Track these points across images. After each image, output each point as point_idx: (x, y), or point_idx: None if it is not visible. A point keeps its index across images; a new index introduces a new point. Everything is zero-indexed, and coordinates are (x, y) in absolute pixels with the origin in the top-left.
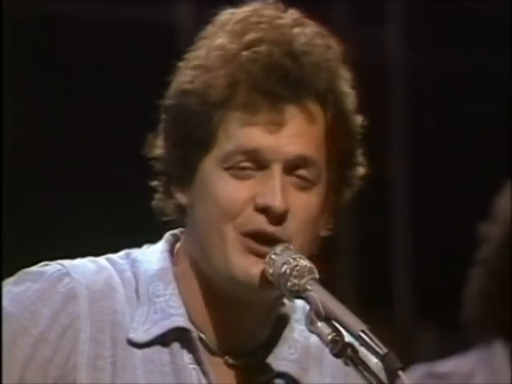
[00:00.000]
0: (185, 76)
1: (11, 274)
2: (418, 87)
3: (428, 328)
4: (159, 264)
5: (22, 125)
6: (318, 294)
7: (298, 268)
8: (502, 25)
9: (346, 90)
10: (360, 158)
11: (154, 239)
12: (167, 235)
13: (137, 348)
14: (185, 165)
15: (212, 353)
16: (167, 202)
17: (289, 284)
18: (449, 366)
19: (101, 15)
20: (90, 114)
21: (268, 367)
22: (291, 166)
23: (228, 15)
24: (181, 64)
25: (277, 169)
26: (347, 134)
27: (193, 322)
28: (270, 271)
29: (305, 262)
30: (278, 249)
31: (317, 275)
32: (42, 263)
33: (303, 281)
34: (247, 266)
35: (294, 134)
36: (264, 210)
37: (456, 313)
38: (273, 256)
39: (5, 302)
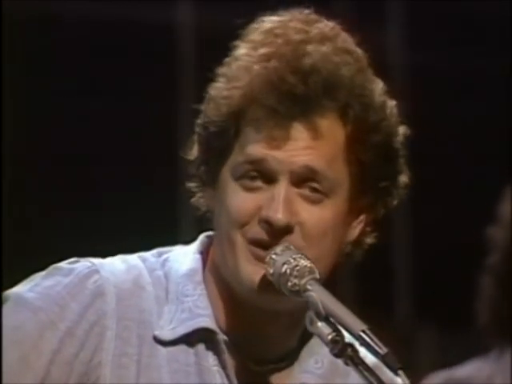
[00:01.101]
0: (216, 83)
1: (11, 274)
2: (418, 87)
3: (428, 328)
4: (190, 264)
5: (22, 125)
6: (318, 293)
7: (298, 268)
8: (502, 25)
9: (374, 103)
10: (397, 169)
11: (154, 239)
12: (202, 236)
13: (162, 346)
14: (209, 170)
15: (235, 357)
16: (203, 203)
17: (289, 284)
18: (468, 370)
19: (101, 15)
20: (90, 114)
21: (291, 377)
22: (300, 178)
23: (260, 23)
24: (218, 69)
25: (283, 181)
26: (372, 147)
27: (218, 325)
28: (271, 271)
29: (305, 262)
30: (279, 249)
31: (317, 275)
32: (72, 259)
33: (303, 281)
34: (252, 273)
35: (300, 148)
36: (266, 223)
37: (456, 313)
38: (273, 256)
39: (33, 295)
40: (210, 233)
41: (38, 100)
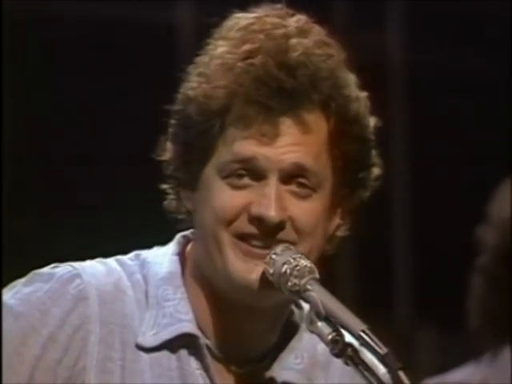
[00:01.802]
0: (190, 82)
1: (11, 274)
2: (418, 87)
3: (428, 328)
4: (169, 267)
5: (22, 125)
6: (319, 293)
7: (298, 268)
8: (502, 25)
9: (352, 95)
10: (372, 160)
11: (154, 239)
12: (178, 237)
13: (145, 352)
14: (189, 171)
15: (217, 359)
16: (178, 204)
17: (289, 284)
18: (461, 375)
19: (101, 15)
20: (90, 114)
21: (273, 376)
22: (288, 175)
23: (234, 20)
24: (189, 68)
25: (272, 178)
26: (353, 138)
27: (200, 328)
28: (271, 271)
29: (305, 262)
30: (279, 249)
31: (317, 275)
32: (53, 265)
33: (303, 281)
34: (246, 271)
35: (289, 144)
36: (258, 220)
37: (456, 313)
38: (273, 256)
39: (14, 302)
40: (185, 232)
41: (38, 100)
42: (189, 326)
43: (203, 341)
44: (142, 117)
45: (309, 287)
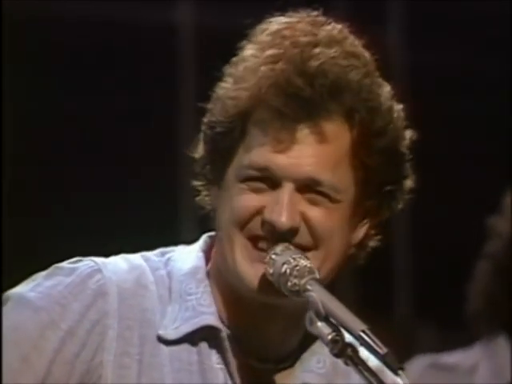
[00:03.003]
0: (222, 82)
1: (11, 274)
2: (418, 87)
3: (428, 328)
4: (193, 262)
5: (22, 125)
6: (318, 293)
7: (298, 268)
8: (502, 25)
9: (381, 107)
10: (403, 173)
11: (155, 239)
12: (204, 236)
13: (165, 345)
14: (215, 169)
15: (238, 355)
16: (207, 201)
17: (289, 284)
18: (453, 358)
19: (101, 16)
20: (90, 114)
21: (294, 376)
22: (304, 186)
23: (267, 24)
24: (225, 69)
25: (287, 186)
26: (378, 151)
27: (222, 322)
28: (271, 271)
29: (305, 262)
30: (278, 249)
31: (317, 275)
32: (75, 259)
33: (303, 281)
34: (251, 273)
35: (305, 155)
36: (270, 225)
37: (456, 312)
38: (273, 256)
39: (34, 295)
40: (212, 233)
41: (38, 100)
42: (211, 319)
43: (225, 333)
44: (142, 117)
45: (309, 287)
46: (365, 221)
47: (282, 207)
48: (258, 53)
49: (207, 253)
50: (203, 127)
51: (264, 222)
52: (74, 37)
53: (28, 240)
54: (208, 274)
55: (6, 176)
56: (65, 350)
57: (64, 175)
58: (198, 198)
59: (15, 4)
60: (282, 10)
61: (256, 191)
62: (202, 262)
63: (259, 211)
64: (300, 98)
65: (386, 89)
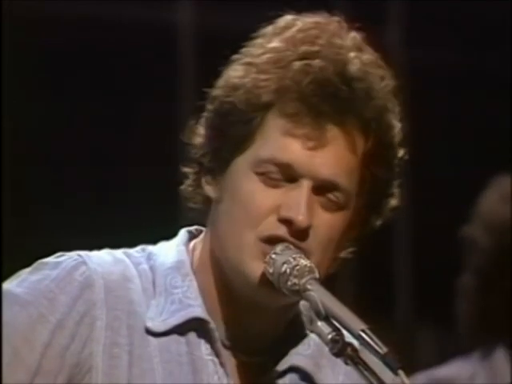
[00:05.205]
0: (236, 71)
1: (11, 274)
2: (418, 87)
3: (428, 328)
4: (176, 256)
5: (22, 124)
6: (318, 293)
7: (298, 267)
8: (502, 25)
9: (392, 122)
10: (394, 190)
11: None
12: (183, 231)
13: (153, 337)
14: (218, 158)
15: (225, 347)
16: (195, 190)
17: (289, 283)
18: (450, 370)
19: (101, 15)
20: (90, 114)
21: (281, 361)
22: (320, 187)
23: (290, 21)
24: (234, 57)
25: (306, 184)
26: (385, 164)
27: (208, 315)
28: (270, 271)
29: (305, 262)
30: (278, 248)
31: (317, 275)
32: (59, 254)
33: (303, 280)
34: (257, 271)
35: (330, 157)
36: (287, 222)
37: (455, 313)
38: (273, 255)
39: (21, 290)
40: (190, 228)
41: (38, 100)
42: (198, 311)
43: (213, 325)
44: (142, 117)
45: (309, 287)
46: (352, 232)
47: (300, 205)
48: (289, 47)
49: (187, 247)
50: (208, 113)
51: (281, 220)
52: (74, 36)
53: (28, 240)
54: (193, 268)
55: (6, 176)
56: (55, 343)
57: (64, 175)
58: (181, 187)
59: (15, 4)
60: (282, 10)
61: (271, 185)
62: (184, 256)
63: (274, 210)
64: (337, 98)
65: (397, 104)
